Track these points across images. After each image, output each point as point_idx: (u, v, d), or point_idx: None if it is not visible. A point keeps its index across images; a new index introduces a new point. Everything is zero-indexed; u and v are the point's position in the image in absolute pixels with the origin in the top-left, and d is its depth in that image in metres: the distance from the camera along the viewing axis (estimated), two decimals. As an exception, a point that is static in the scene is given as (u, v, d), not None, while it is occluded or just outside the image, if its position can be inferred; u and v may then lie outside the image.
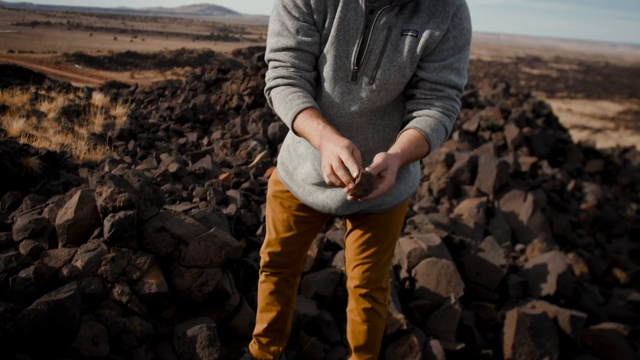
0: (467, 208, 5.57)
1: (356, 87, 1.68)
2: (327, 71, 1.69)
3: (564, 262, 4.25)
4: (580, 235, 7.08)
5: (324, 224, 2.19)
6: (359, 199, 1.43)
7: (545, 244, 4.97)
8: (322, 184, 1.88)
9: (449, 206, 5.81)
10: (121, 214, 2.79)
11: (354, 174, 1.38)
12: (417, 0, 1.63)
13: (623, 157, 13.44)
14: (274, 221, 2.13)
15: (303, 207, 2.02)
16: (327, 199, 1.88)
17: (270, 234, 2.16)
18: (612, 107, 60.44)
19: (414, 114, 1.71)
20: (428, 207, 5.51)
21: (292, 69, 1.67)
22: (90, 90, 10.76)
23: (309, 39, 1.65)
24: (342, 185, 1.42)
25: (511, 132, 9.44)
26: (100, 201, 2.88)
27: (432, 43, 1.63)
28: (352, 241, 2.06)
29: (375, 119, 1.76)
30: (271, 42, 1.70)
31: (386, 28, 1.62)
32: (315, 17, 1.65)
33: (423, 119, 1.66)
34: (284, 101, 1.63)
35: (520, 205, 5.87)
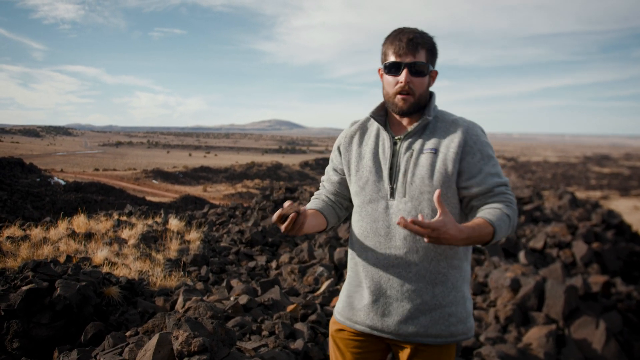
0: (535, 337, 5.41)
1: (394, 202, 2.09)
2: (370, 194, 2.14)
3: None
4: (668, 361, 6.60)
5: (385, 358, 2.30)
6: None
7: (623, 378, 4.72)
8: (379, 307, 2.10)
9: (517, 334, 5.65)
10: (195, 358, 3.01)
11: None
12: (433, 127, 2.10)
13: None
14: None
15: (360, 343, 2.18)
16: (383, 319, 2.08)
17: None
18: (696, 201, 57.32)
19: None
20: (495, 337, 5.39)
21: (322, 190, 2.41)
22: (167, 215, 11.50)
23: (336, 177, 2.33)
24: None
25: (579, 248, 9.19)
26: (176, 345, 3.13)
27: (450, 155, 2.02)
28: None
29: None
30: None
31: (409, 151, 2.09)
32: (343, 160, 2.28)
33: (482, 211, 1.97)
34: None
35: (592, 332, 5.63)
